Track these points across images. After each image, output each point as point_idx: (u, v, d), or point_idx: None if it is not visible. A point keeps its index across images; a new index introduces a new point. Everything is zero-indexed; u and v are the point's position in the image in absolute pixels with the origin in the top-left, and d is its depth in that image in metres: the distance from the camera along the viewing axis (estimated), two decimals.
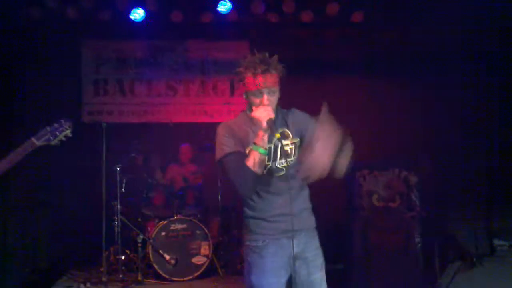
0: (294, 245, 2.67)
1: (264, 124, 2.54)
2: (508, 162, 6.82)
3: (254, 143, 2.57)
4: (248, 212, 2.77)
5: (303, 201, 2.80)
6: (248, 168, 2.54)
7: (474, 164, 6.92)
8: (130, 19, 6.86)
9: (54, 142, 2.97)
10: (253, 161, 2.55)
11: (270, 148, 2.67)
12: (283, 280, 2.73)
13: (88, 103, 7.38)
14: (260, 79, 2.65)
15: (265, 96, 2.63)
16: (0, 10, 6.45)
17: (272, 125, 2.56)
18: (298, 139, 2.76)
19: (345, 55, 7.48)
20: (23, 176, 6.18)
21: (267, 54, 2.74)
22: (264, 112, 2.57)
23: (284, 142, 2.70)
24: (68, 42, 7.22)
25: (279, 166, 2.72)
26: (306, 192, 2.84)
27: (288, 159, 2.70)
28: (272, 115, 2.57)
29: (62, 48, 7.15)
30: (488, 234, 6.81)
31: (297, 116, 2.81)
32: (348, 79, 7.42)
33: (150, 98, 7.53)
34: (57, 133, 2.98)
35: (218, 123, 7.52)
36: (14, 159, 2.89)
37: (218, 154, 2.70)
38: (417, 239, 5.40)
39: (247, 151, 2.63)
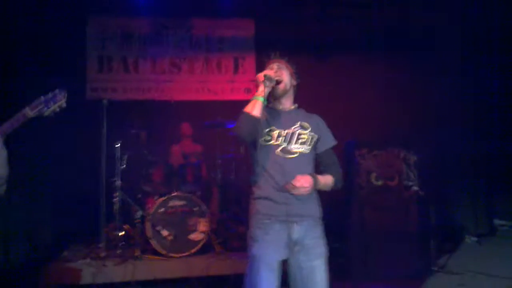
0: (295, 230, 2.91)
1: (261, 77, 2.94)
2: (509, 141, 6.70)
3: (255, 95, 2.94)
4: (257, 192, 3.00)
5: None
6: (245, 112, 2.87)
7: (474, 143, 6.80)
8: None
9: (47, 113, 2.90)
10: (251, 106, 2.88)
11: (288, 133, 3.00)
12: (281, 257, 2.92)
13: (92, 80, 7.41)
14: (272, 61, 3.18)
15: (274, 67, 3.10)
16: None
17: (268, 79, 2.95)
18: (316, 135, 3.06)
19: (349, 33, 7.44)
20: (25, 152, 6.25)
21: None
22: (264, 72, 3.00)
23: (303, 131, 3.03)
24: (73, 18, 7.23)
25: (293, 149, 2.98)
26: None
27: (303, 146, 3.00)
28: (269, 73, 2.99)
29: (67, 25, 7.16)
30: (489, 214, 6.71)
31: (319, 121, 3.16)
32: (351, 58, 7.38)
33: (154, 76, 7.54)
34: (51, 103, 2.91)
35: (221, 101, 7.57)
36: (6, 130, 2.84)
37: None
38: (415, 218, 5.39)
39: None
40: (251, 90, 7.45)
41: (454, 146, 6.70)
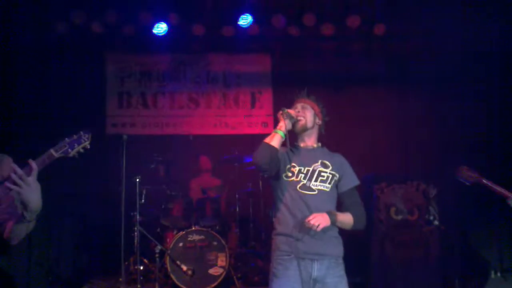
0: (316, 269, 2.92)
1: (279, 114, 3.04)
2: None
3: (275, 129, 3.03)
4: (278, 228, 3.03)
5: (331, 228, 2.97)
6: (265, 142, 2.95)
7: (497, 175, 6.72)
8: (153, 33, 6.98)
9: (72, 154, 2.93)
10: (270, 138, 2.97)
11: (308, 170, 3.03)
12: None
13: (112, 115, 7.55)
14: (298, 100, 3.25)
15: (298, 107, 3.18)
16: (28, 25, 6.68)
17: (286, 114, 3.03)
18: (337, 174, 3.07)
19: (367, 67, 7.46)
20: (47, 186, 6.31)
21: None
22: (285, 109, 3.07)
23: (323, 169, 3.05)
24: (93, 56, 7.43)
25: (312, 186, 3.00)
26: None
27: (323, 184, 3.02)
28: (291, 111, 3.06)
29: (87, 62, 7.35)
30: None
31: (342, 160, 3.18)
32: (370, 92, 7.40)
33: (172, 111, 7.65)
34: (76, 145, 2.93)
35: (239, 135, 7.66)
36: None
37: None
38: (437, 253, 5.32)
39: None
40: (268, 124, 7.53)
41: None
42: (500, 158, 6.75)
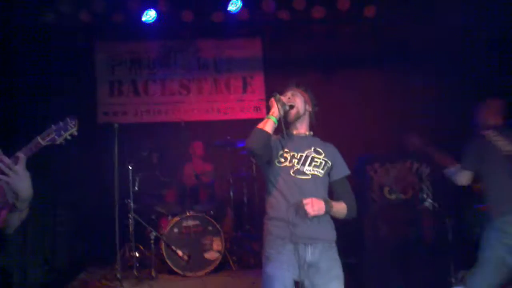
0: (309, 253, 2.91)
1: (271, 100, 3.03)
2: None
3: (268, 115, 3.02)
4: (271, 213, 3.02)
5: (324, 213, 2.93)
6: (258, 128, 2.94)
7: None
8: (142, 21, 6.93)
9: (59, 141, 2.90)
10: (263, 123, 2.95)
11: (301, 155, 3.04)
12: (294, 277, 2.91)
13: (103, 104, 7.52)
14: (288, 89, 3.25)
15: (288, 94, 3.18)
16: (17, 15, 6.61)
17: (278, 100, 3.00)
18: (330, 162, 3.09)
19: (357, 49, 7.46)
20: (41, 175, 6.30)
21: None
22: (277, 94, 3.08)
23: (316, 155, 3.07)
24: (83, 45, 7.37)
25: (306, 171, 3.00)
26: None
27: (316, 169, 3.03)
28: (282, 98, 3.05)
29: (77, 51, 7.29)
30: None
31: (333, 149, 3.19)
32: (360, 74, 7.41)
33: (163, 98, 7.64)
34: (62, 132, 2.90)
35: (231, 120, 7.62)
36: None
37: None
38: (431, 231, 5.36)
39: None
40: (261, 108, 7.53)
41: None
42: None
